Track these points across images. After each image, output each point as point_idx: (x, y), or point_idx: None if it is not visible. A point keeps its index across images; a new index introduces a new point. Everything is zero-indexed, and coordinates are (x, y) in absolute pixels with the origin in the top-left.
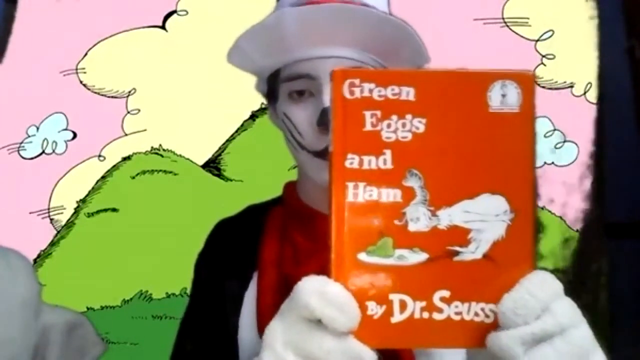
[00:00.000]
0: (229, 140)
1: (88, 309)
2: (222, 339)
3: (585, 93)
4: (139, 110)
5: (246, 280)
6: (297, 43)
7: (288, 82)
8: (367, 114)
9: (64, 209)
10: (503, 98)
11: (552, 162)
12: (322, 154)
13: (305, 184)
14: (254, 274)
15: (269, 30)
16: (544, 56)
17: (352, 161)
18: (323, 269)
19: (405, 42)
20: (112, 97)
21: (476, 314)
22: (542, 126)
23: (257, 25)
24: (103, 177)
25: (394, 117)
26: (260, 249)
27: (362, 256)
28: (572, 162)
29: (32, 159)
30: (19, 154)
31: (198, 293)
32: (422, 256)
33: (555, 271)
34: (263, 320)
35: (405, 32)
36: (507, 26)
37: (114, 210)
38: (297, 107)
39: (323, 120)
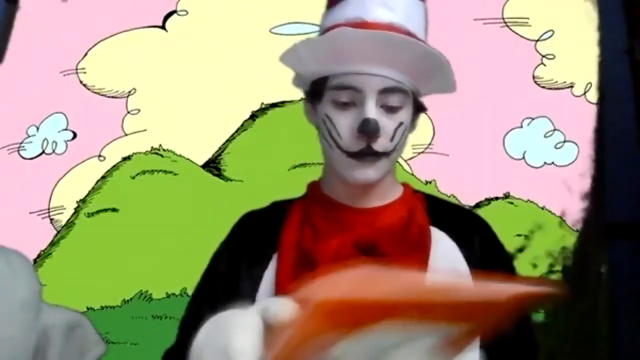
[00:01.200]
0: (229, 140)
1: (88, 309)
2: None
3: (585, 93)
4: (139, 110)
5: (266, 261)
6: (351, 58)
7: (335, 90)
8: None
9: (64, 209)
10: None
11: (552, 162)
12: (355, 155)
13: (331, 180)
14: (274, 256)
15: (329, 43)
16: (544, 56)
17: None
18: (340, 247)
19: (439, 73)
20: (112, 97)
21: None
22: (542, 126)
23: (319, 37)
24: (103, 177)
25: None
26: (282, 234)
27: None
28: (572, 162)
29: (32, 159)
30: (19, 154)
31: (214, 270)
32: None
33: (554, 272)
34: (282, 290)
35: (441, 64)
36: (507, 26)
37: (114, 210)
38: (340, 113)
39: (363, 128)
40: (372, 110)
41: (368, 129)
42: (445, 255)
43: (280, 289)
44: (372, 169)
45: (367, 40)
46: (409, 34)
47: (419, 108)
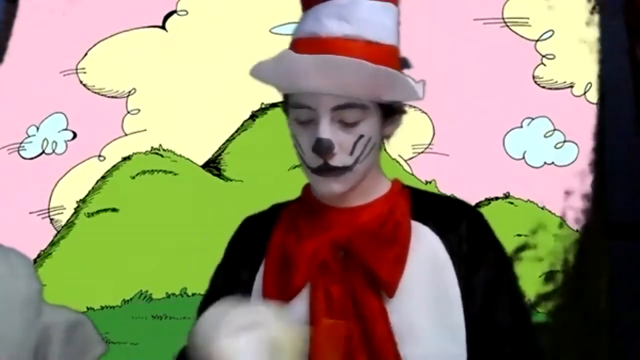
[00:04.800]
0: (229, 140)
1: (88, 309)
2: None
3: (585, 93)
4: (139, 110)
5: (258, 264)
6: (301, 79)
7: (295, 109)
8: None
9: (64, 209)
10: None
11: (552, 162)
12: (317, 171)
13: None
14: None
15: (280, 64)
16: (544, 56)
17: None
18: (317, 248)
19: (396, 84)
20: (112, 97)
21: None
22: (542, 126)
23: (271, 58)
24: (103, 177)
25: None
26: (271, 237)
27: None
28: (572, 162)
29: (32, 159)
30: (19, 154)
31: (215, 281)
32: None
33: (555, 271)
34: (267, 292)
35: (395, 78)
36: (507, 26)
37: (114, 210)
38: (302, 130)
39: (314, 148)
40: (325, 129)
41: (319, 149)
42: (426, 249)
43: (265, 292)
44: (336, 183)
45: (310, 64)
46: (368, 42)
47: (392, 111)
